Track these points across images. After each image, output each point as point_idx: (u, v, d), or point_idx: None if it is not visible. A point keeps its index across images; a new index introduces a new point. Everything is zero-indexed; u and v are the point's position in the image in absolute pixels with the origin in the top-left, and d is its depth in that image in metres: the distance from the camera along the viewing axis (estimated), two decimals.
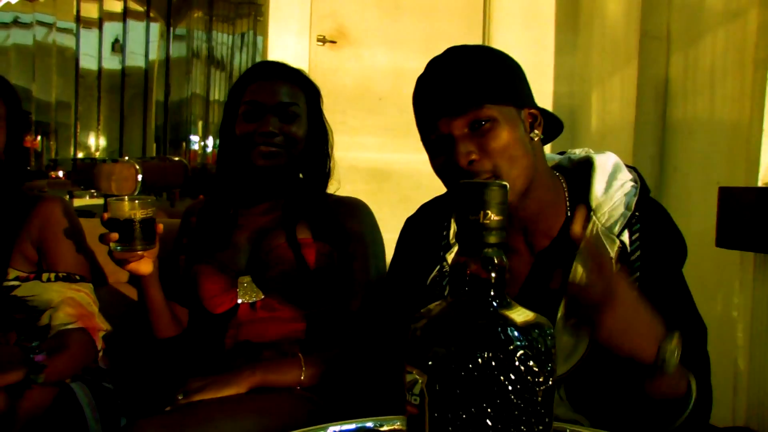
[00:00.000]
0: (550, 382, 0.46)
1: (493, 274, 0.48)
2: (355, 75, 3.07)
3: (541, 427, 0.46)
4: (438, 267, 1.14)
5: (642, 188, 1.12)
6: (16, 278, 1.40)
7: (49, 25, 4.78)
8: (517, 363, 0.45)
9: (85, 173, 3.81)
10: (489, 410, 0.44)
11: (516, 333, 0.46)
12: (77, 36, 4.90)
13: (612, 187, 1.11)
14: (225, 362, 1.37)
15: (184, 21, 5.20)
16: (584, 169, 1.13)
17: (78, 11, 4.85)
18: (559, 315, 1.08)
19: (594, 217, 1.09)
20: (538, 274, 1.12)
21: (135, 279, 1.38)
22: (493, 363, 0.44)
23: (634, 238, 1.07)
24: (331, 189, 1.54)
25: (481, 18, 3.23)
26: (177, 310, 1.48)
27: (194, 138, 5.18)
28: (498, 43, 3.12)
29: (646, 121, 2.69)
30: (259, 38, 4.71)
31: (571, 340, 1.07)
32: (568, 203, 1.12)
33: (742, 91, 2.26)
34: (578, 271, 1.07)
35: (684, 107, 2.61)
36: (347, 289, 1.39)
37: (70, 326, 1.37)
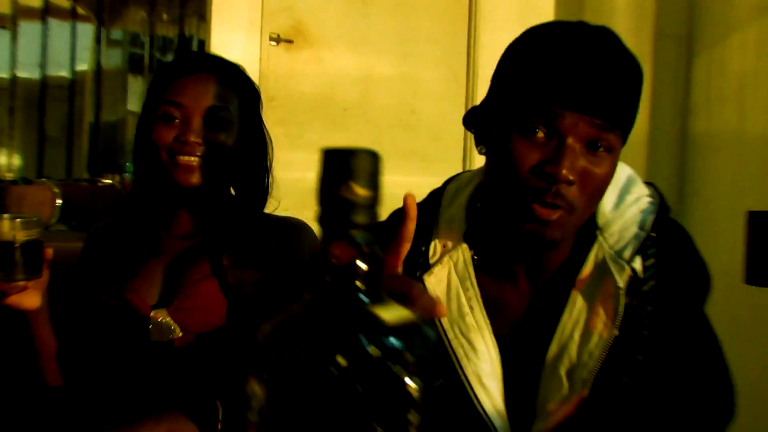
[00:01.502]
0: (426, 398, 0.44)
1: (361, 263, 0.46)
2: (315, 81, 3.08)
3: None
4: None
5: (661, 206, 1.11)
6: None
7: None
8: (381, 373, 0.43)
9: None
10: (344, 430, 0.42)
11: (383, 335, 0.45)
12: None
13: (624, 201, 1.11)
14: (134, 411, 1.34)
15: (120, 22, 5.24)
16: None
17: None
18: (547, 359, 1.07)
19: (600, 238, 1.08)
20: (537, 308, 1.12)
21: (19, 317, 1.36)
22: (350, 372, 0.43)
23: (648, 264, 1.06)
24: (270, 208, 1.54)
25: (466, 14, 3.28)
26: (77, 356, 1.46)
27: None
28: (487, 45, 3.16)
29: (662, 136, 2.71)
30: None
31: (559, 392, 1.05)
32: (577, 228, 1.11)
33: None
34: (576, 303, 1.07)
35: (708, 119, 2.64)
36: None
37: None
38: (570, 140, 0.99)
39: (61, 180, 4.32)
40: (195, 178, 1.41)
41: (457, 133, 3.24)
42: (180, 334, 1.37)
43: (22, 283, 1.26)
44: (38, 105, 5.18)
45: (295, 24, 3.09)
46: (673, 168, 2.71)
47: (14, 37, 4.95)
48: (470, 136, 3.51)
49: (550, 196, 0.99)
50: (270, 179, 1.52)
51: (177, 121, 1.41)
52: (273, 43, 3.03)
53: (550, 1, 3.22)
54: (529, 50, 1.04)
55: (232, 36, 2.95)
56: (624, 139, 1.04)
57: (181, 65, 1.46)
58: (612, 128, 0.99)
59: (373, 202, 0.47)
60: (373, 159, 0.47)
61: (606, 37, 1.03)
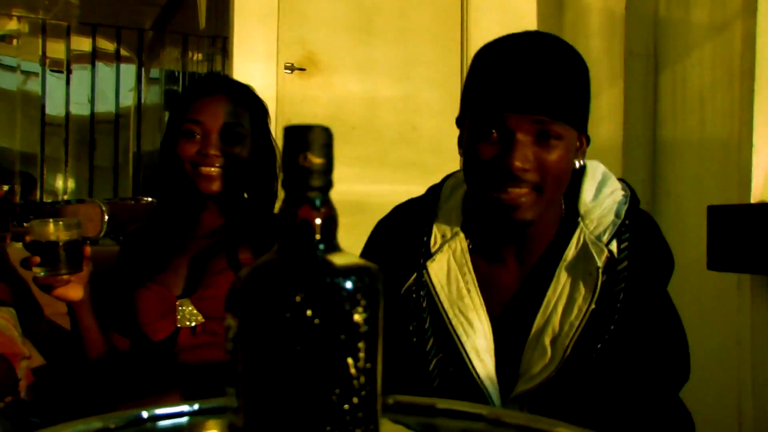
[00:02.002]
0: (372, 330, 0.48)
1: (316, 219, 0.50)
2: (325, 104, 3.14)
3: (363, 380, 0.47)
4: (415, 275, 1.16)
5: (632, 197, 1.15)
6: None
7: (13, 69, 4.92)
8: (332, 305, 0.47)
9: (52, 217, 3.85)
10: (301, 355, 0.46)
11: (335, 275, 0.48)
12: (43, 79, 5.03)
13: (602, 193, 1.15)
14: (164, 389, 1.38)
15: (157, 61, 5.34)
16: (574, 175, 1.16)
17: (44, 52, 5.00)
18: (533, 330, 1.10)
19: (582, 224, 1.12)
20: (527, 288, 1.15)
21: (69, 307, 1.41)
22: (305, 305, 0.46)
23: (622, 247, 1.09)
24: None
25: (458, 40, 3.32)
26: (116, 340, 1.50)
27: None
28: None
29: (634, 142, 2.73)
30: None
31: (542, 358, 1.08)
32: (563, 212, 1.16)
33: (731, 107, 2.31)
34: (560, 280, 1.10)
35: (674, 126, 2.66)
36: None
37: None
38: (519, 136, 1.03)
39: (108, 199, 4.40)
40: (215, 186, 1.46)
41: (453, 146, 3.22)
42: (202, 320, 1.41)
43: (66, 277, 1.31)
44: (89, 138, 5.28)
45: (307, 54, 3.15)
46: (645, 170, 2.73)
47: (68, 80, 5.07)
48: None
49: (510, 185, 1.04)
50: (278, 184, 1.56)
51: (198, 136, 1.46)
52: (287, 71, 3.09)
53: (533, 25, 3.25)
54: (476, 66, 1.10)
55: (252, 66, 3.02)
56: (576, 125, 1.07)
57: (199, 88, 1.52)
58: (555, 119, 1.03)
59: (327, 168, 0.51)
60: (325, 132, 0.51)
61: (539, 42, 1.06)
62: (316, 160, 0.50)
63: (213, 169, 1.45)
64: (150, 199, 4.48)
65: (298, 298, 0.46)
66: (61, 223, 1.30)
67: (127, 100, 5.39)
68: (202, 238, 1.52)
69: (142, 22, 5.26)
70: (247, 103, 1.52)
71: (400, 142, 3.22)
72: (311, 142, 0.51)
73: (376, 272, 0.51)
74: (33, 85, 4.98)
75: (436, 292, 1.14)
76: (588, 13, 3.07)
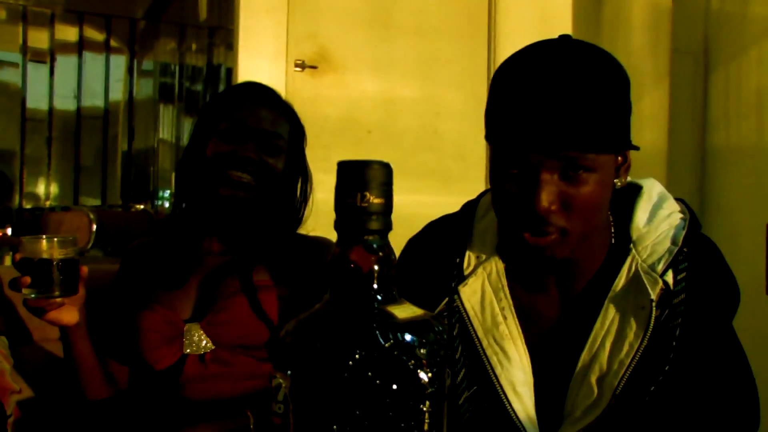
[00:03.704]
0: (439, 390, 0.47)
1: (375, 266, 0.50)
2: (339, 104, 3.14)
3: None
4: (446, 300, 1.16)
5: (692, 221, 1.12)
6: None
7: None
8: (395, 365, 0.47)
9: (33, 225, 3.88)
10: (361, 419, 0.46)
11: (396, 331, 0.48)
12: (24, 70, 5.05)
13: (657, 217, 1.12)
14: (169, 425, 1.38)
15: (151, 53, 5.35)
16: (628, 195, 1.15)
17: (25, 41, 5.02)
18: (578, 366, 1.09)
19: (633, 251, 1.10)
20: (569, 319, 1.14)
21: (62, 333, 1.41)
22: (366, 364, 0.46)
23: (679, 278, 1.07)
24: (301, 230, 1.58)
25: (485, 37, 3.31)
26: (114, 369, 1.50)
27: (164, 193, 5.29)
28: None
29: (681, 150, 2.72)
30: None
31: (588, 398, 1.08)
32: (613, 239, 1.14)
33: None
34: (609, 313, 1.09)
35: (726, 132, 2.65)
36: None
37: None
38: (543, 175, 1.01)
39: (96, 207, 4.42)
40: (241, 194, 1.45)
41: (478, 151, 3.27)
42: (212, 348, 1.41)
43: (59, 299, 1.31)
44: (74, 135, 5.30)
45: (319, 50, 3.15)
46: (692, 181, 2.71)
47: (51, 71, 5.08)
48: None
49: (537, 225, 1.03)
50: (306, 209, 1.56)
51: (237, 138, 1.46)
52: (298, 69, 3.09)
53: (568, 22, 3.25)
54: (495, 90, 1.06)
55: (259, 62, 3.01)
56: (611, 150, 1.04)
57: (241, 92, 1.53)
58: (585, 151, 1.00)
59: (386, 209, 0.50)
60: (385, 169, 0.50)
61: (566, 60, 1.02)
62: (375, 200, 0.50)
63: (244, 174, 1.45)
64: (142, 206, 4.51)
65: (356, 357, 0.46)
66: (55, 240, 1.29)
67: (117, 94, 5.41)
68: (215, 255, 1.51)
69: (134, 10, 5.28)
70: (288, 118, 1.53)
71: (420, 147, 3.21)
72: (370, 180, 0.50)
73: (441, 324, 0.50)
74: (12, 77, 4.99)
75: (469, 319, 1.14)
76: (629, 5, 3.07)
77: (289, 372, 0.48)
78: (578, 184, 1.01)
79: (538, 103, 0.99)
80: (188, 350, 1.41)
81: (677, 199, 1.17)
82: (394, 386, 0.47)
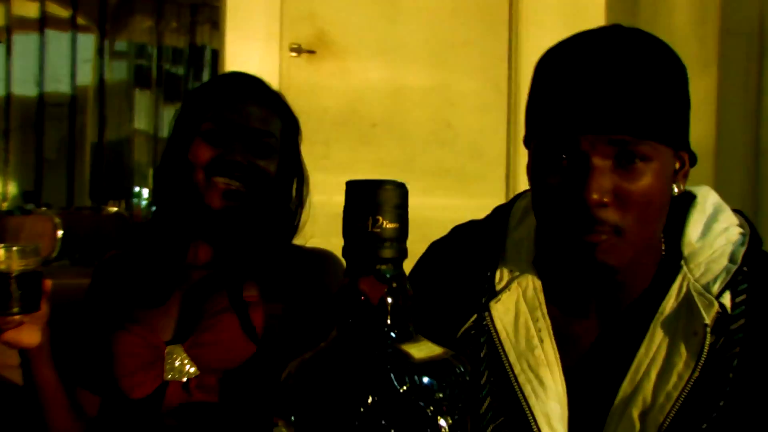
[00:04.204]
0: None
1: (388, 298, 0.51)
2: (340, 95, 3.15)
3: None
4: (474, 317, 1.16)
5: (752, 237, 1.12)
6: None
7: None
8: (411, 411, 0.48)
9: None
10: None
11: (413, 373, 0.49)
12: None
13: (712, 231, 1.12)
14: None
15: (125, 31, 5.37)
16: (680, 205, 1.15)
17: None
18: (618, 398, 1.09)
19: (685, 269, 1.10)
20: (610, 343, 1.14)
21: (22, 357, 1.41)
22: (379, 410, 0.47)
23: (738, 301, 1.07)
24: (298, 238, 1.59)
25: (506, 19, 3.32)
26: (83, 399, 1.51)
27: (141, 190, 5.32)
28: (530, 50, 3.19)
29: (731, 144, 2.72)
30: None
31: (633, 430, 1.07)
32: (663, 253, 1.14)
33: None
34: (655, 339, 1.09)
35: None
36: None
37: None
38: (595, 160, 1.01)
39: (62, 209, 4.43)
40: (228, 203, 1.47)
41: (498, 148, 3.29)
42: (197, 373, 1.42)
43: (18, 317, 1.31)
44: (35, 125, 5.31)
45: (317, 33, 3.17)
46: (743, 178, 2.71)
47: (9, 51, 5.10)
48: (513, 152, 3.53)
49: (587, 223, 1.02)
50: (301, 214, 1.57)
51: (222, 140, 1.47)
52: (294, 53, 3.11)
53: (600, 2, 3.26)
54: (539, 77, 1.09)
55: (249, 46, 3.04)
56: (671, 141, 1.05)
57: (225, 85, 1.53)
58: (641, 138, 1.01)
59: (401, 235, 0.51)
60: (400, 190, 0.52)
61: (616, 41, 1.05)
62: (389, 225, 0.51)
63: (233, 181, 1.46)
64: (115, 209, 4.52)
65: (369, 402, 0.47)
66: (14, 249, 1.29)
67: (85, 77, 5.42)
68: (198, 269, 1.52)
69: None
70: (279, 112, 1.53)
71: (431, 143, 3.22)
72: (383, 202, 0.51)
73: (463, 365, 0.51)
74: None
75: (500, 341, 1.13)
76: None
77: (293, 418, 0.49)
78: (634, 176, 1.01)
79: (591, 81, 1.01)
80: (169, 376, 1.42)
81: (735, 211, 1.17)
82: None
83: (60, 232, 3.45)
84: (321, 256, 1.55)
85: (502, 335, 1.14)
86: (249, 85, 1.54)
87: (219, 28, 4.00)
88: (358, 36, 3.21)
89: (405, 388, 0.49)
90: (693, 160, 1.11)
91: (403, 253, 0.52)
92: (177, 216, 1.53)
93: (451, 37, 3.28)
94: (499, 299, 1.15)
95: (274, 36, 3.07)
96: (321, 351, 0.51)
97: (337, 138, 3.07)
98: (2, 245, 1.30)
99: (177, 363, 1.43)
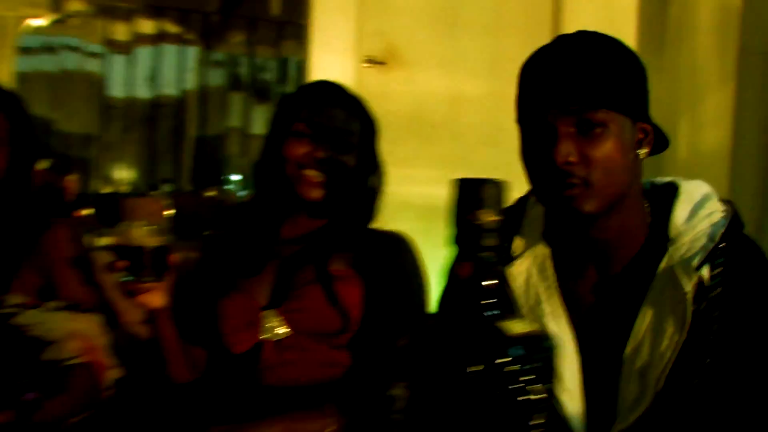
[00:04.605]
0: (545, 400, 0.47)
1: (489, 281, 0.50)
2: (406, 100, 3.13)
3: None
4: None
5: (734, 219, 1.13)
6: (17, 305, 1.47)
7: (75, 49, 5.09)
8: (509, 379, 0.47)
9: (110, 209, 3.98)
10: (475, 428, 0.46)
11: (510, 345, 0.48)
12: (105, 61, 5.18)
13: (696, 216, 1.14)
14: (246, 410, 1.40)
15: (223, 45, 5.43)
16: (668, 194, 1.16)
17: (106, 34, 5.16)
18: (625, 355, 1.09)
19: (671, 249, 1.11)
20: (605, 304, 1.15)
21: (150, 316, 1.44)
22: (482, 378, 0.46)
23: (715, 272, 1.08)
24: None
25: (549, 33, 3.27)
26: (196, 354, 1.53)
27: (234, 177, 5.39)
28: None
29: (746, 151, 2.65)
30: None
31: (636, 388, 1.08)
32: (648, 230, 1.15)
33: None
34: (647, 308, 1.09)
35: None
36: (388, 328, 1.42)
37: (73, 361, 1.44)
38: (561, 129, 1.06)
39: (171, 191, 4.52)
40: (316, 193, 1.48)
41: None
42: (288, 334, 1.43)
43: (150, 284, 1.34)
44: (149, 122, 5.42)
45: (387, 47, 3.15)
46: (758, 183, 2.64)
47: (130, 61, 5.22)
48: None
49: (561, 179, 1.06)
50: (378, 202, 1.58)
51: (308, 139, 1.48)
52: (367, 65, 3.10)
53: (633, 21, 3.18)
54: (519, 77, 1.15)
55: (330, 58, 3.04)
56: (625, 110, 1.09)
57: (313, 91, 1.55)
58: (594, 107, 1.06)
59: (500, 226, 0.50)
60: (500, 188, 0.50)
61: (577, 37, 1.12)
62: (491, 218, 0.50)
63: (320, 174, 1.48)
64: (213, 193, 4.59)
65: (473, 371, 0.46)
66: (150, 228, 1.35)
67: (190, 83, 5.51)
68: (290, 244, 1.53)
69: (207, 5, 5.37)
70: (359, 115, 1.55)
71: (484, 143, 3.19)
72: (486, 198, 0.50)
73: (550, 340, 0.50)
74: (94, 66, 5.14)
75: (514, 298, 1.16)
76: (697, 6, 2.99)
77: (407, 383, 0.48)
78: (594, 140, 1.06)
79: (552, 62, 1.08)
80: (265, 335, 1.44)
81: (725, 201, 1.17)
82: (509, 400, 0.47)
83: (169, 212, 3.52)
84: (394, 237, 1.55)
85: (516, 293, 1.17)
86: (333, 91, 1.55)
87: (304, 43, 4.02)
88: (422, 49, 3.18)
89: (503, 359, 0.48)
90: (660, 135, 1.13)
91: (501, 242, 0.51)
92: (272, 201, 1.54)
93: (503, 50, 3.24)
94: (513, 264, 1.18)
95: (351, 50, 3.06)
96: (431, 326, 0.50)
97: (402, 137, 3.05)
98: (139, 224, 1.34)
99: (271, 325, 1.44)
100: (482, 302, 0.50)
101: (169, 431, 1.53)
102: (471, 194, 0.50)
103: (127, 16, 5.09)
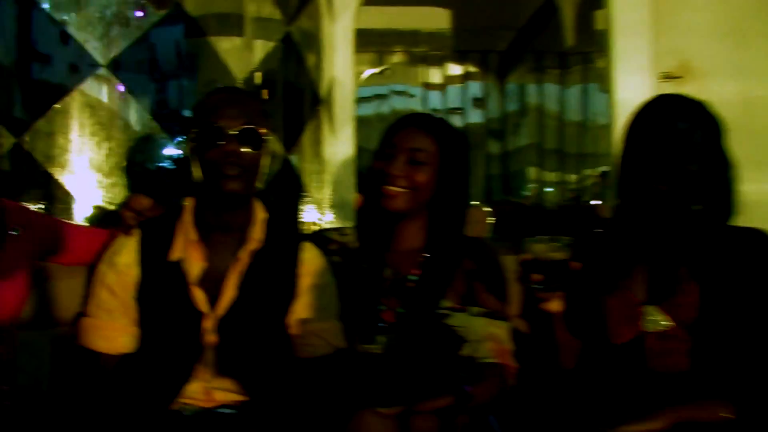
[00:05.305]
0: None
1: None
2: None
3: None
4: None
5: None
6: (448, 308, 1.66)
7: (400, 93, 5.94)
8: None
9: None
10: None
11: None
12: (423, 99, 5.96)
13: None
14: (635, 396, 1.48)
15: (515, 76, 5.96)
16: None
17: (422, 79, 5.93)
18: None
19: None
20: None
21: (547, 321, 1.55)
22: None
23: None
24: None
25: None
26: (575, 345, 1.61)
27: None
28: None
29: None
30: (590, 86, 5.29)
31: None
32: None
33: None
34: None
35: None
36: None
37: (489, 360, 1.59)
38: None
39: (491, 201, 5.03)
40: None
41: None
42: (670, 326, 1.50)
43: (556, 293, 1.49)
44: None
45: (682, 62, 3.42)
46: None
47: (443, 98, 5.96)
48: None
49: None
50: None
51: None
52: (664, 80, 3.40)
53: None
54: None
55: (630, 78, 3.40)
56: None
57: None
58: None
59: None
60: None
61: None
62: None
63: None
64: (519, 201, 4.94)
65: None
66: (553, 243, 1.47)
67: (490, 112, 6.00)
68: (659, 248, 1.57)
69: (498, 44, 5.93)
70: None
71: None
72: None
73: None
74: (412, 104, 5.88)
75: None
76: None
77: None
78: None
79: None
80: (647, 328, 1.52)
81: None
82: None
83: (490, 219, 3.99)
84: (751, 234, 1.55)
85: None
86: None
87: (593, 71, 4.35)
88: (714, 61, 3.42)
89: None
90: None
91: None
92: (639, 213, 1.56)
93: None
94: None
95: (647, 68, 3.41)
96: None
97: None
98: (548, 239, 1.49)
99: (653, 318, 1.52)
100: None
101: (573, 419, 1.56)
102: None
103: (439, 61, 5.84)
